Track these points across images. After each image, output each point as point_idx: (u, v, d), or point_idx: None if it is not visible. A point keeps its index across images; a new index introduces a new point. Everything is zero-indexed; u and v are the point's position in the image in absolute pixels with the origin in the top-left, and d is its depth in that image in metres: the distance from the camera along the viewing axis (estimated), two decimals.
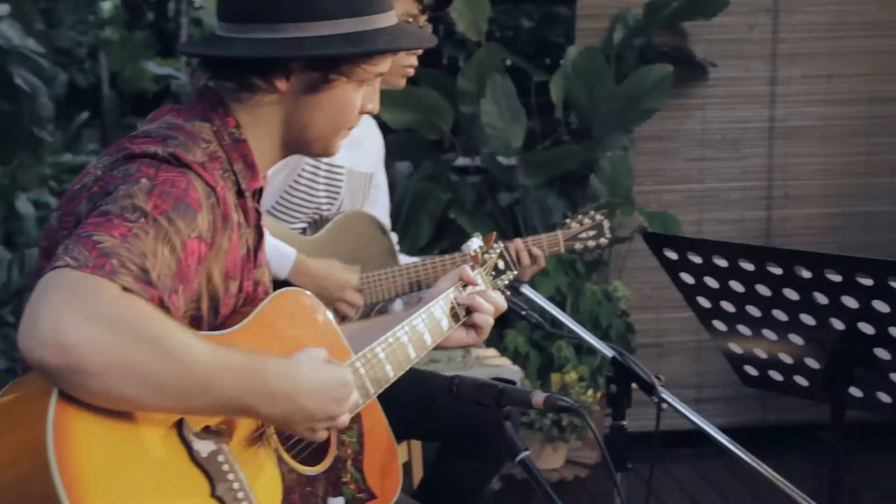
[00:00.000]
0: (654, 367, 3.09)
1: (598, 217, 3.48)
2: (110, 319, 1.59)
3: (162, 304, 1.70)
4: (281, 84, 1.96)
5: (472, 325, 2.41)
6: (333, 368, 1.89)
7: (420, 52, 3.07)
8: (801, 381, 2.39)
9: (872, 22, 5.54)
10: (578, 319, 5.05)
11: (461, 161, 5.91)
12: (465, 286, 2.42)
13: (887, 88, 5.57)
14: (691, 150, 5.61)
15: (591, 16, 5.49)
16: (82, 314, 1.58)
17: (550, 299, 5.12)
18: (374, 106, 2.08)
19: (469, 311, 2.39)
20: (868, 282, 2.07)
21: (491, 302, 2.42)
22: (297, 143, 2.04)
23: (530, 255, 3.28)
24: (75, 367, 1.57)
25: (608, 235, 3.48)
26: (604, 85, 5.25)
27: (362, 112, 2.05)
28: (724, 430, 2.50)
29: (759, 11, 5.51)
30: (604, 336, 5.12)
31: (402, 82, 3.13)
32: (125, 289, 1.64)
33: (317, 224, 3.30)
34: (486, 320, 2.40)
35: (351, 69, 1.97)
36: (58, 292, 1.60)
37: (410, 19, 3.08)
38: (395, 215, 5.51)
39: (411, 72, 3.12)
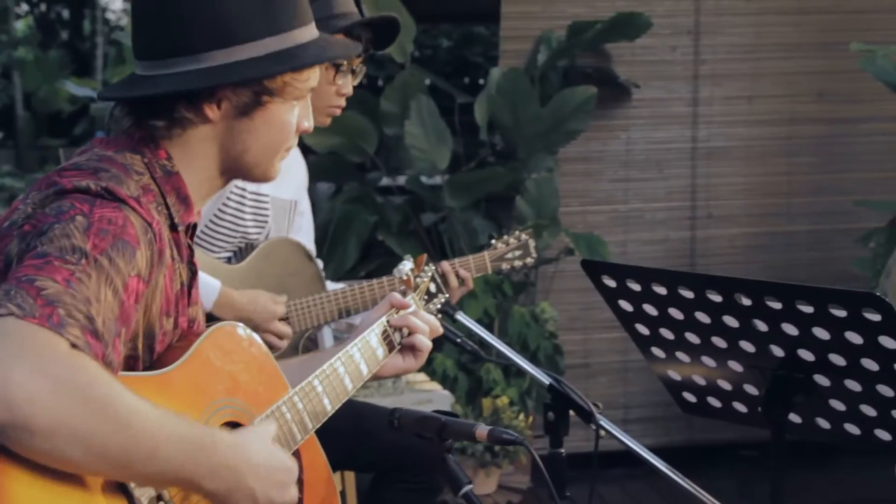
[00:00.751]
0: (582, 387, 3.10)
1: (524, 237, 3.48)
2: (59, 379, 1.54)
3: (106, 360, 1.65)
4: (212, 113, 1.92)
5: (409, 349, 2.38)
6: (279, 453, 1.87)
7: (350, 93, 3.06)
8: (740, 407, 2.39)
9: (791, 44, 5.61)
10: (507, 342, 5.03)
11: (385, 181, 5.88)
12: (398, 312, 2.39)
13: (807, 109, 5.64)
14: (616, 171, 5.63)
15: (514, 37, 5.49)
16: (31, 370, 1.53)
17: (478, 322, 5.11)
18: (310, 123, 2.04)
19: (404, 337, 2.36)
20: (808, 309, 2.07)
21: (426, 323, 2.39)
22: (235, 169, 2.00)
23: (458, 276, 3.25)
24: (21, 424, 1.52)
25: (534, 255, 3.48)
26: (528, 106, 5.26)
27: (299, 131, 2.02)
28: (653, 449, 2.51)
29: (681, 33, 5.56)
30: (532, 358, 5.11)
31: (328, 121, 3.11)
32: (73, 345, 1.59)
33: (241, 252, 3.25)
34: (424, 342, 2.38)
35: (282, 87, 1.94)
36: (4, 344, 1.54)
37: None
38: (320, 238, 5.46)
39: (338, 112, 3.10)
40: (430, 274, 2.67)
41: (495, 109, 5.31)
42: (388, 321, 2.36)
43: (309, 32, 1.97)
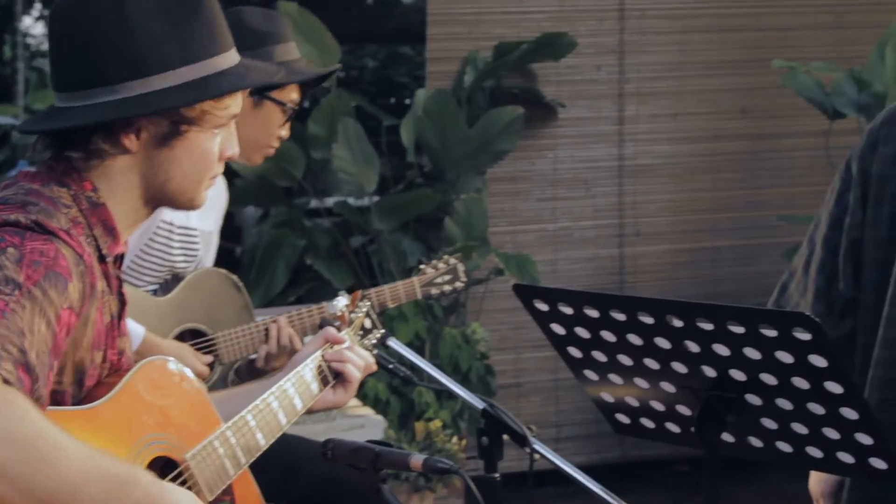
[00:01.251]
0: (514, 407, 3.12)
1: (453, 261, 3.47)
2: None
3: (35, 394, 1.63)
4: (131, 144, 1.90)
5: (340, 383, 2.36)
6: None
7: (286, 135, 3.07)
8: (673, 427, 2.39)
9: (715, 61, 5.68)
10: (438, 364, 5.03)
11: (314, 204, 5.85)
12: (332, 347, 2.38)
13: (730, 126, 5.71)
14: (543, 190, 5.66)
15: (440, 58, 5.50)
16: None
17: (409, 345, 5.09)
18: (235, 150, 2.02)
19: (337, 374, 2.35)
20: (739, 329, 2.08)
21: (361, 358, 2.38)
22: (159, 198, 1.98)
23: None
24: None
25: (463, 279, 3.48)
26: (455, 128, 5.26)
27: (223, 158, 2.00)
28: (586, 467, 2.53)
29: (606, 52, 5.60)
30: (464, 379, 5.10)
31: (260, 160, 3.10)
32: (5, 380, 1.57)
33: (168, 284, 3.21)
34: (354, 374, 2.36)
35: (200, 116, 1.92)
36: None
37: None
38: (247, 263, 5.43)
39: (271, 152, 3.10)
40: (364, 310, 2.65)
41: (422, 131, 5.31)
42: (322, 356, 2.34)
43: (228, 59, 1.96)
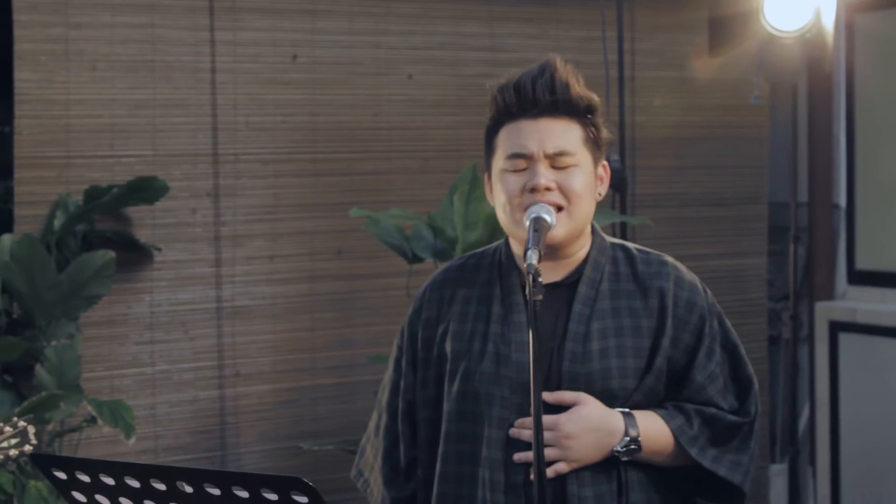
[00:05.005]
0: None
1: (22, 424, 3.39)
2: None
3: None
4: None
5: None
6: None
7: None
8: None
9: (309, 204, 5.83)
10: None
11: None
12: None
13: (325, 267, 5.86)
14: (141, 334, 5.60)
15: (29, 202, 5.39)
16: None
17: None
18: None
19: None
20: (244, 494, 2.14)
21: None
22: None
23: None
24: None
25: (33, 441, 3.39)
26: (45, 272, 5.15)
27: None
28: None
29: (201, 196, 5.65)
30: None
31: None
32: None
33: None
34: None
35: None
36: None
37: None
38: None
39: None
40: None
41: (10, 277, 5.16)
42: None
43: None
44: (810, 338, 6.47)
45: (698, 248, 6.41)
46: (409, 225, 5.25)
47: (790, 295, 6.26)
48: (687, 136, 6.53)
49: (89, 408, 5.18)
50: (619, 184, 5.21)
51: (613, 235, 5.53)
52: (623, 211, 5.41)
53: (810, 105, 6.55)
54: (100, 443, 5.36)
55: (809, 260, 6.65)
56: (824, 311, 6.12)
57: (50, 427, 5.04)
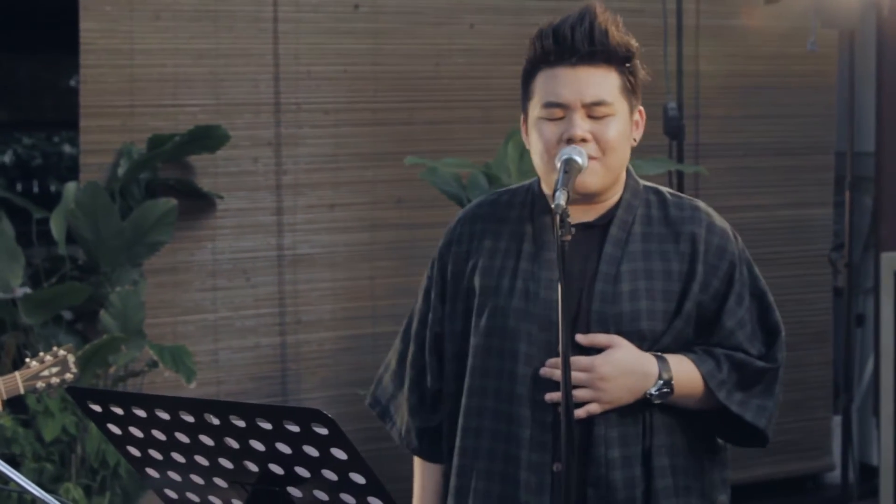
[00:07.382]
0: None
1: (62, 353, 3.49)
2: None
3: None
4: None
5: None
6: None
7: None
8: None
9: (369, 153, 5.86)
10: (86, 459, 4.98)
11: None
12: None
13: (385, 215, 5.89)
14: (204, 281, 5.69)
15: (94, 151, 5.49)
16: None
17: (57, 441, 5.03)
18: None
19: None
20: (268, 426, 2.17)
21: None
22: None
23: None
24: None
25: (74, 370, 3.49)
26: (109, 220, 5.25)
27: None
28: None
29: (262, 145, 5.71)
30: (114, 474, 5.06)
31: None
32: None
33: None
34: None
35: None
36: None
37: None
38: None
39: None
40: None
41: (75, 224, 5.27)
42: None
43: None
44: (876, 288, 6.39)
45: (762, 198, 6.33)
46: (466, 173, 5.26)
47: (845, 243, 6.17)
48: (751, 84, 6.44)
49: (151, 352, 5.29)
50: (675, 132, 5.17)
51: (670, 185, 5.51)
52: (680, 160, 5.36)
53: (879, 51, 6.42)
54: (162, 387, 5.46)
55: (876, 210, 6.55)
56: (890, 262, 6.02)
57: (112, 370, 5.15)
